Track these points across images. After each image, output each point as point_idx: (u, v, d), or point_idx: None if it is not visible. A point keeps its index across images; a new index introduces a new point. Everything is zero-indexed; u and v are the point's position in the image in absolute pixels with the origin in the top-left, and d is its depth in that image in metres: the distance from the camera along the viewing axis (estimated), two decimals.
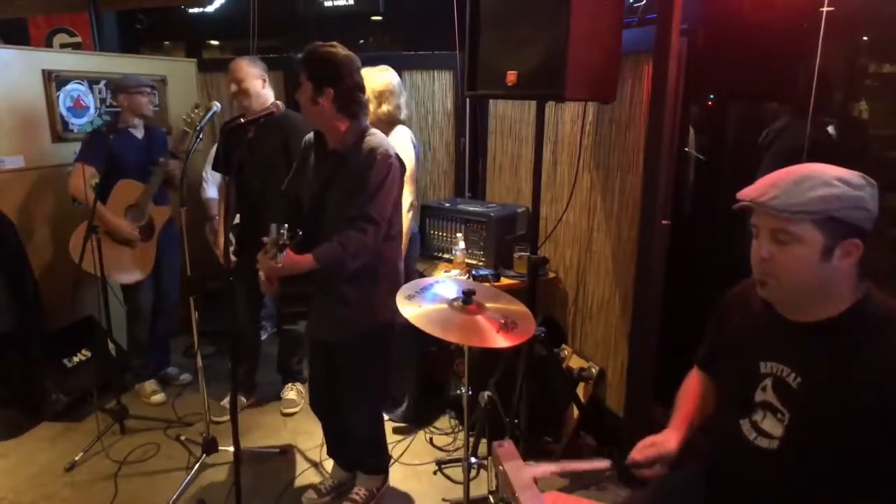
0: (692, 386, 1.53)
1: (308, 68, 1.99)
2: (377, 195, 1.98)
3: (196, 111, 2.90)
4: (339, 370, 2.25)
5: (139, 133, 3.10)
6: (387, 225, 2.06)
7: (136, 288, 3.13)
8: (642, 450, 1.39)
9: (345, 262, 1.97)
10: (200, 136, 2.59)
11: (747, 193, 1.19)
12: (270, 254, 1.82)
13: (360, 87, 2.06)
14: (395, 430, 2.94)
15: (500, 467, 1.36)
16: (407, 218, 2.85)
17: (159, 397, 3.25)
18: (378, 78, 2.74)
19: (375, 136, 2.06)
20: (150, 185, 3.01)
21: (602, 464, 1.44)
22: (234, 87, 2.79)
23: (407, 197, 2.84)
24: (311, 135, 2.19)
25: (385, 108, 2.74)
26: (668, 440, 1.39)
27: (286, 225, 1.82)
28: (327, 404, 2.39)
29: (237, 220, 3.03)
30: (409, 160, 2.83)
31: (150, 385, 3.28)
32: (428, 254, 3.24)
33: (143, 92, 3.03)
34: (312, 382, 2.44)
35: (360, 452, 2.43)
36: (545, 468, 1.41)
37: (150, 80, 3.15)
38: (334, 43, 2.04)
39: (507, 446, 1.42)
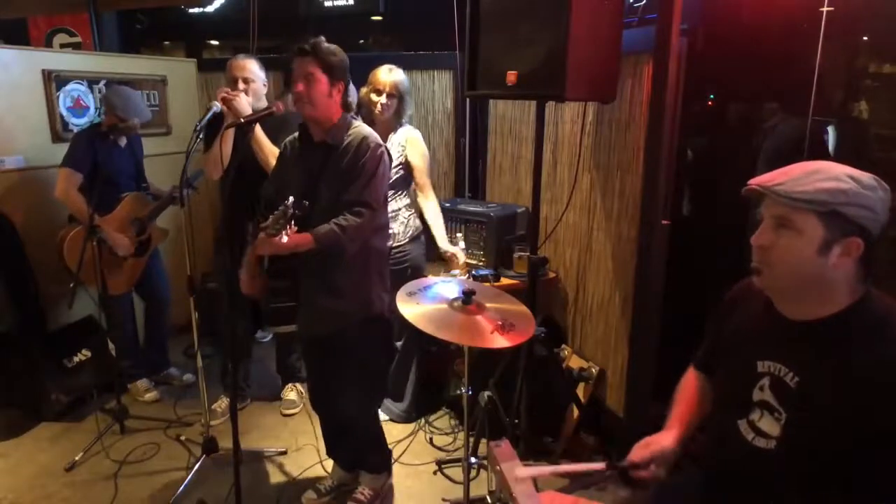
0: (689, 386, 1.52)
1: (324, 62, 2.02)
2: (371, 181, 2.04)
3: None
4: (336, 365, 2.25)
5: (122, 141, 3.07)
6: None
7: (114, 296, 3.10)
8: (638, 451, 1.39)
9: (343, 244, 2.00)
10: (200, 136, 2.57)
11: (757, 179, 1.19)
12: (275, 228, 1.83)
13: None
14: (396, 430, 2.94)
15: (498, 468, 1.36)
16: (440, 221, 2.85)
17: (152, 395, 3.26)
18: (393, 75, 2.74)
19: (362, 127, 2.13)
20: (160, 206, 3.04)
21: (597, 465, 1.43)
22: (241, 86, 2.73)
23: (431, 197, 2.84)
24: (294, 135, 2.21)
25: (399, 105, 2.75)
26: (662, 439, 1.39)
27: (291, 198, 1.83)
28: (327, 401, 2.39)
29: None
30: (427, 158, 2.82)
31: (142, 384, 3.28)
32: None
33: (111, 112, 2.91)
34: (311, 381, 2.45)
35: (362, 449, 2.43)
36: (541, 470, 1.41)
37: (131, 118, 2.91)
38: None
39: (503, 446, 1.41)
